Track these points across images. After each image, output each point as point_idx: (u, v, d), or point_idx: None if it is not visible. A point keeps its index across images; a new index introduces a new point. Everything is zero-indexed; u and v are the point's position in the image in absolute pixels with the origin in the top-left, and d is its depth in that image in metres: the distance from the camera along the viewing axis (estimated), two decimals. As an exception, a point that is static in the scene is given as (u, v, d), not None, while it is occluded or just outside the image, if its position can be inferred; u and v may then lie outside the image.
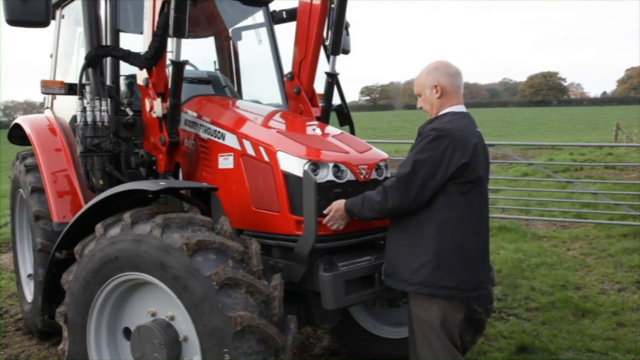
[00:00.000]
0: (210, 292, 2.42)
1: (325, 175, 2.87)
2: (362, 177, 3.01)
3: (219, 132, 3.24)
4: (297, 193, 2.84)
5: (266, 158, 2.97)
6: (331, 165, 2.89)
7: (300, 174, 2.83)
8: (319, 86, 4.04)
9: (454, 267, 2.60)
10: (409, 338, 2.87)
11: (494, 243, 7.21)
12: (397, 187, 2.59)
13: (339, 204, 2.81)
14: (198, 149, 3.40)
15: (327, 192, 2.86)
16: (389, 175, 3.21)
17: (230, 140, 3.17)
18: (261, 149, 3.01)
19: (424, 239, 2.62)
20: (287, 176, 2.89)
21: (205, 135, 3.34)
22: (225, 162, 3.20)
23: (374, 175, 3.08)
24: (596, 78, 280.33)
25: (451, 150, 2.55)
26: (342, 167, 2.93)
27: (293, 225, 2.86)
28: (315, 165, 2.86)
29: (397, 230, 2.76)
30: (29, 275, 4.76)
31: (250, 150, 3.06)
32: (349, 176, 2.95)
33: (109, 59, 3.76)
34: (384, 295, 3.02)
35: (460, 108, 2.78)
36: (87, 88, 3.46)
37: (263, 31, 4.74)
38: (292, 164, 2.88)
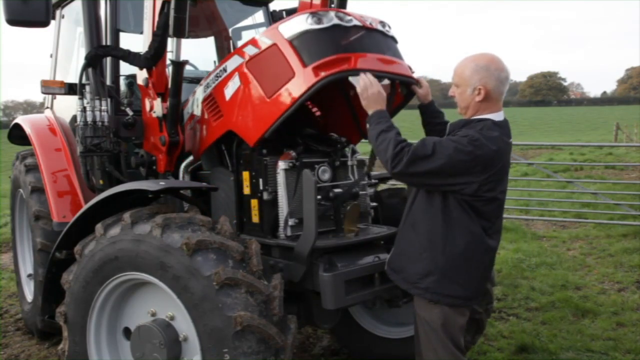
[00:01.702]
0: (210, 292, 2.41)
1: (330, 19, 2.76)
2: (368, 23, 2.89)
3: (220, 70, 3.13)
4: (306, 44, 2.74)
5: (269, 42, 2.86)
6: (333, 12, 2.80)
7: (305, 27, 2.73)
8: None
9: (460, 278, 2.59)
10: (414, 338, 2.87)
11: (494, 243, 7.21)
12: (407, 158, 2.45)
13: (377, 93, 2.65)
14: (203, 110, 3.28)
15: (335, 38, 2.75)
16: (396, 39, 3.13)
17: (232, 63, 3.04)
18: (262, 38, 2.91)
19: (434, 246, 2.59)
20: (293, 40, 2.77)
21: (209, 90, 3.21)
22: (232, 86, 3.04)
23: (379, 27, 2.96)
24: (596, 78, 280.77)
25: (467, 167, 2.44)
26: (346, 16, 2.82)
27: (312, 73, 2.70)
28: (318, 16, 2.75)
29: (410, 230, 2.73)
30: (29, 275, 4.77)
31: (252, 51, 2.93)
32: (355, 22, 2.84)
33: (109, 59, 3.76)
34: (384, 295, 3.02)
35: (499, 116, 2.59)
36: (87, 88, 3.46)
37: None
38: (295, 24, 2.78)
